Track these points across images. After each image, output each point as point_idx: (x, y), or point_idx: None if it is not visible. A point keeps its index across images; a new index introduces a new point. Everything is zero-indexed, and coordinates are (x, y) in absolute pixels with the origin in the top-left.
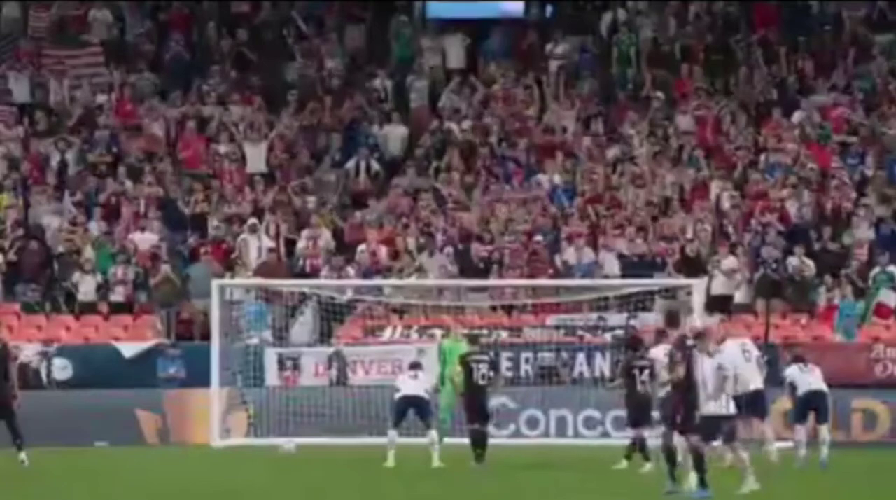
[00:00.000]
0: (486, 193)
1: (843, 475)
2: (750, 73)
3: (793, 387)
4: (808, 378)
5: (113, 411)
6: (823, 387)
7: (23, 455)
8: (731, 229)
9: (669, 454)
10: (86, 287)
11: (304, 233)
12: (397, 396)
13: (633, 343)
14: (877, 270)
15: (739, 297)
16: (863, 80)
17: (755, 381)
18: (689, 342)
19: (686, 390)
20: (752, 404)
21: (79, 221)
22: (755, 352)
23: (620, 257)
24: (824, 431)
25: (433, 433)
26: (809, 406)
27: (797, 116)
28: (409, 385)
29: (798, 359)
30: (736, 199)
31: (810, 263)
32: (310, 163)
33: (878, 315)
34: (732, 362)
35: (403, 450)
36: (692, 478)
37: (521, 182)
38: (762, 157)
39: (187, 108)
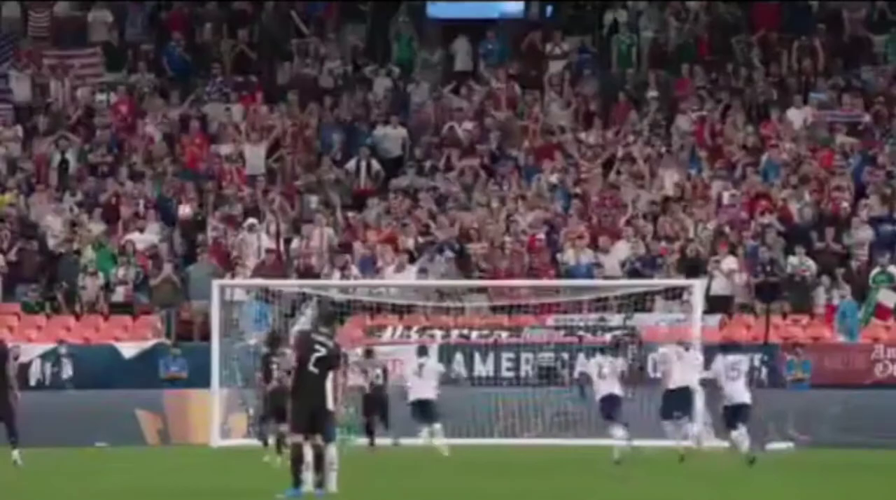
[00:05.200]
0: (485, 193)
1: (841, 475)
2: (750, 73)
3: (717, 386)
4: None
5: (113, 411)
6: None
7: (16, 454)
8: (731, 229)
9: (297, 455)
10: (86, 288)
11: (301, 232)
12: (412, 398)
13: (270, 340)
14: (877, 270)
15: (739, 297)
16: (863, 80)
17: (687, 379)
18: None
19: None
20: (682, 401)
21: (79, 222)
22: (692, 354)
23: (620, 257)
24: (742, 430)
25: (437, 426)
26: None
27: (797, 116)
28: (418, 388)
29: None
30: (736, 199)
31: (811, 263)
32: (310, 163)
33: (878, 316)
34: (666, 361)
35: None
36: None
37: (521, 182)
38: (762, 157)
39: (187, 108)
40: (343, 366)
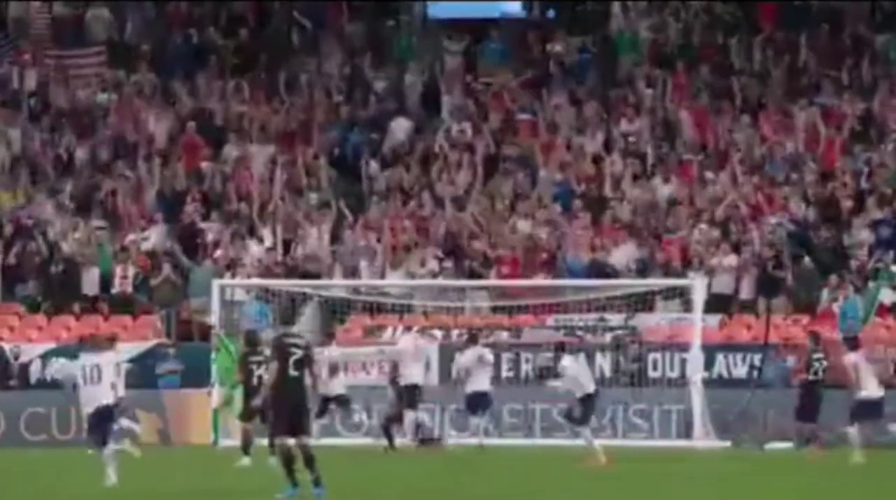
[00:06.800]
0: (485, 192)
1: (841, 475)
2: (751, 72)
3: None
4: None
5: None
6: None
7: None
8: (732, 228)
9: (287, 456)
10: (86, 287)
11: (301, 233)
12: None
13: (249, 339)
14: (881, 265)
15: (742, 295)
16: (864, 79)
17: (482, 384)
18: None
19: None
20: (477, 404)
21: (80, 221)
22: (489, 357)
23: (622, 256)
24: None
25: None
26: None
27: (799, 115)
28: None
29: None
30: (737, 199)
31: (811, 262)
32: (310, 163)
33: (879, 314)
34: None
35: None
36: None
37: (521, 182)
38: (764, 156)
39: (188, 107)
40: (315, 361)
